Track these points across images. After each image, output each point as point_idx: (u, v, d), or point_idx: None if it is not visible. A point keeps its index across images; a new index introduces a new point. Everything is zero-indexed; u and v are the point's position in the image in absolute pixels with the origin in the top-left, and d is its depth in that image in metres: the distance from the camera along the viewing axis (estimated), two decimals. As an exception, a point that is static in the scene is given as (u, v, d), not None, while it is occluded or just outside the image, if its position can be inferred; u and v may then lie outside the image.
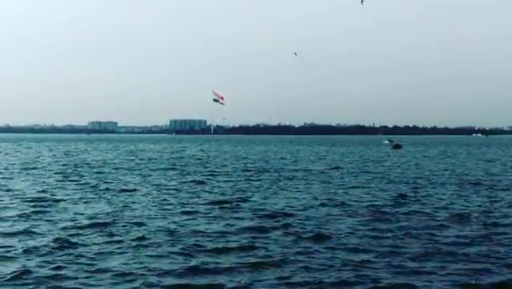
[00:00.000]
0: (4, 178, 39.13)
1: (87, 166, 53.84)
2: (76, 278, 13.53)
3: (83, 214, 22.59)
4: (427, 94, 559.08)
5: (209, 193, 30.76)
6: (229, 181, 38.33)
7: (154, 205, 25.60)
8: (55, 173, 44.06)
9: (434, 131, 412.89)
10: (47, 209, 24.02)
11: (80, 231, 18.92)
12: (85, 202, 26.39)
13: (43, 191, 30.97)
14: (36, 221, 20.81)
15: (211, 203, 26.17)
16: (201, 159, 70.41)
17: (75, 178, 39.49)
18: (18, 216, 21.90)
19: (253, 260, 15.14)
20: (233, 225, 20.36)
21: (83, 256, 15.50)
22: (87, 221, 20.74)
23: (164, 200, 27.40)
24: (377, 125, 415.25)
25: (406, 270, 14.37)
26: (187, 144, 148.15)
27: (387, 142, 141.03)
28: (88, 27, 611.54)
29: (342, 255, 15.81)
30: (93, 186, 33.82)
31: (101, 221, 20.89)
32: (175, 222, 20.81)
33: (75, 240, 17.44)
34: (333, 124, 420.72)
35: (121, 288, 12.92)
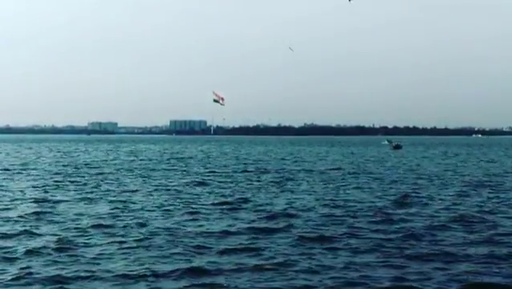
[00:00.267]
0: (4, 179, 39.11)
1: (88, 167, 53.83)
2: (78, 279, 13.49)
3: (84, 215, 22.55)
4: (427, 94, 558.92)
5: (210, 193, 30.73)
6: (229, 181, 38.32)
7: (155, 205, 25.56)
8: (56, 174, 44.06)
9: (434, 131, 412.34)
10: (48, 210, 23.98)
11: (81, 232, 18.88)
12: (86, 203, 26.36)
13: (44, 192, 30.94)
14: (37, 222, 20.78)
15: (212, 204, 26.14)
16: (201, 160, 70.44)
17: (76, 179, 39.48)
18: (19, 217, 21.87)
19: (255, 261, 15.10)
20: (235, 225, 20.33)
21: (84, 257, 15.47)
22: (88, 222, 20.70)
23: (165, 201, 27.36)
24: (377, 126, 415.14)
25: (408, 271, 14.34)
26: (187, 145, 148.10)
27: (386, 143, 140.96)
28: (88, 27, 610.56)
29: (344, 256, 15.78)
30: (94, 187, 33.79)
31: (102, 222, 20.85)
32: (176, 223, 20.78)
33: (76, 241, 17.42)
34: (333, 124, 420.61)
35: (123, 289, 12.88)
